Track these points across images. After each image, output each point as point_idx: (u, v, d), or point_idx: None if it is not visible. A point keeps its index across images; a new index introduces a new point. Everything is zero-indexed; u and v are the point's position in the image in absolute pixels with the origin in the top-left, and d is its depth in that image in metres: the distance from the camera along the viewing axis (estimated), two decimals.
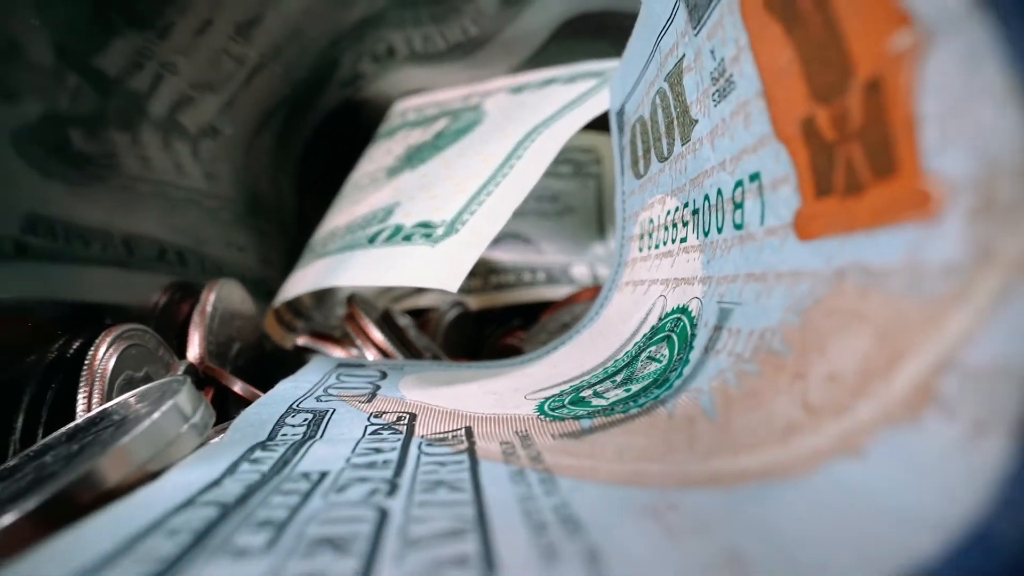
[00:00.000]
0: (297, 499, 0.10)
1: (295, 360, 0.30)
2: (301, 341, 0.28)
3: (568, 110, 0.27)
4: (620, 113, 0.24)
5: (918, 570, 0.06)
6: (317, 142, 0.43)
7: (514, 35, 0.36)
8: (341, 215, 0.31)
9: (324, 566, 0.07)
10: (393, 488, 0.10)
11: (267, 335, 0.32)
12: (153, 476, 0.12)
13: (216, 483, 0.11)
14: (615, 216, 0.25)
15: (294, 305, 0.33)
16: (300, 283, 0.28)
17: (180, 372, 0.21)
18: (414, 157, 0.31)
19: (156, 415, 0.12)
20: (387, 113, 0.41)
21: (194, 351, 0.24)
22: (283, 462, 0.12)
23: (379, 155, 0.35)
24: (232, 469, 0.12)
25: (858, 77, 0.09)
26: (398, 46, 0.39)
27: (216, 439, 0.15)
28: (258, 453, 0.13)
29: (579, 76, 0.31)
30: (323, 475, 0.11)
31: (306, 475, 0.11)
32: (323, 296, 0.36)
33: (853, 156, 0.09)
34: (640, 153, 0.21)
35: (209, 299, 0.25)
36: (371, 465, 0.12)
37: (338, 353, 0.27)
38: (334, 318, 0.36)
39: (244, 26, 0.34)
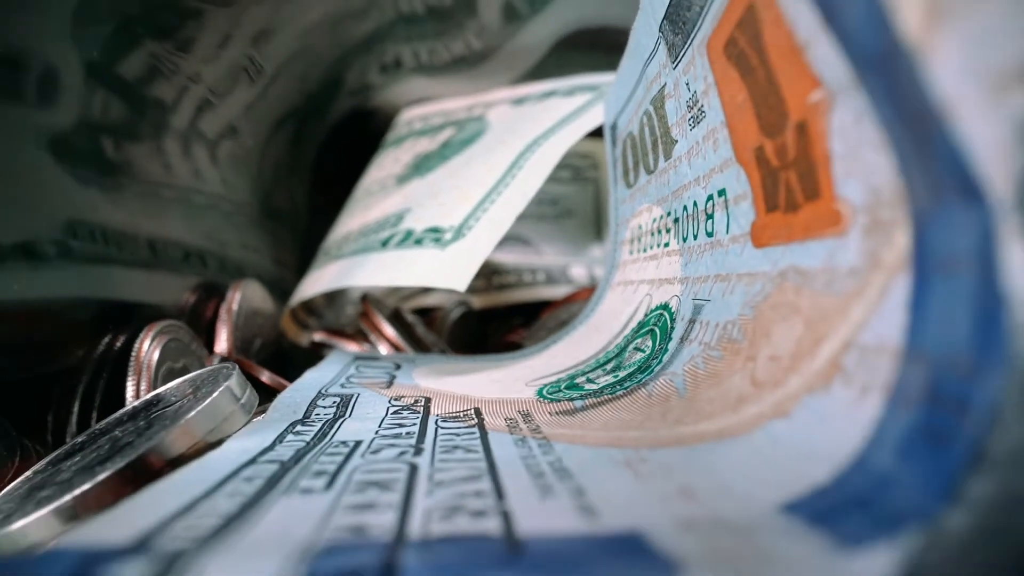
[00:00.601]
0: (341, 458, 0.12)
1: (310, 355, 0.33)
2: (318, 337, 0.30)
3: (566, 123, 0.29)
4: (613, 128, 0.26)
5: (814, 488, 0.09)
6: (327, 148, 0.45)
7: (515, 49, 0.39)
8: (354, 220, 0.34)
9: (373, 498, 0.10)
10: (418, 451, 0.13)
11: (284, 332, 0.34)
12: (212, 446, 0.15)
13: (270, 448, 0.13)
14: (610, 220, 0.27)
15: (308, 304, 0.35)
16: (317, 283, 0.30)
17: (215, 363, 0.23)
18: (422, 166, 0.33)
19: (215, 395, 0.15)
20: (394, 121, 0.44)
21: (222, 345, 0.26)
22: (322, 434, 0.15)
23: (388, 163, 0.38)
24: (280, 439, 0.14)
25: (791, 119, 0.11)
26: (405, 58, 0.42)
27: (257, 419, 0.17)
28: (299, 428, 0.15)
29: (577, 89, 0.33)
30: (358, 443, 0.14)
31: (344, 442, 0.14)
32: (334, 296, 0.39)
33: (791, 180, 0.12)
34: (631, 165, 0.24)
35: (235, 298, 0.27)
36: (397, 435, 0.14)
37: (352, 348, 0.29)
38: (344, 316, 0.38)
39: (260, 39, 0.36)
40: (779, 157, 0.12)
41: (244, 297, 0.28)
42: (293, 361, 0.36)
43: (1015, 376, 0.07)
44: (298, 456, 0.13)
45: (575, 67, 0.37)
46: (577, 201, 0.45)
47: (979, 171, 0.07)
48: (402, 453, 0.13)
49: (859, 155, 0.09)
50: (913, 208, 0.08)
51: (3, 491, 0.16)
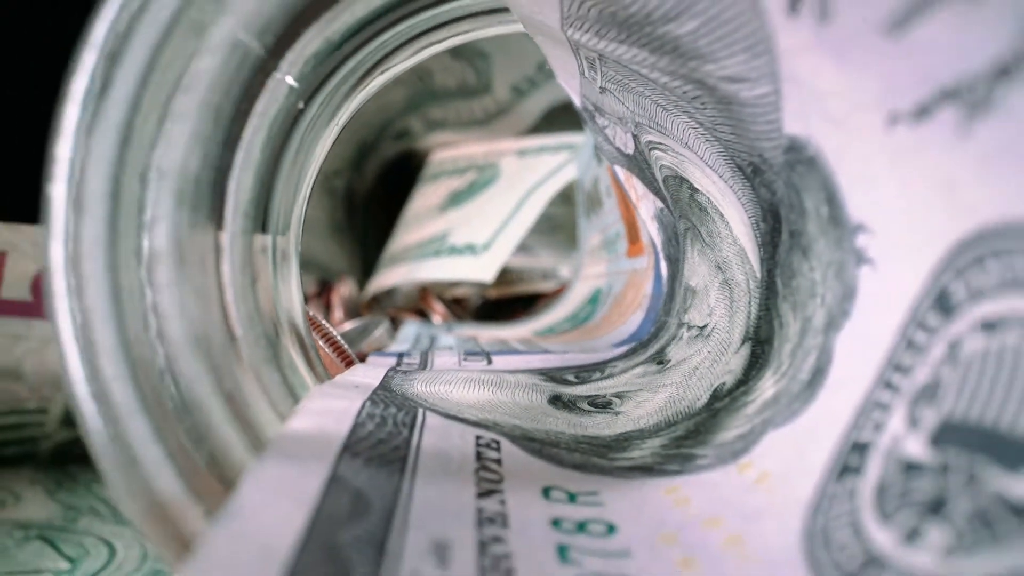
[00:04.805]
0: (449, 347, 0.31)
1: None
2: (390, 313, 0.49)
3: (553, 174, 0.48)
4: (580, 182, 0.45)
5: (621, 340, 0.28)
6: (378, 184, 0.64)
7: (520, 113, 0.58)
8: (409, 236, 0.53)
9: (471, 348, 0.29)
10: (479, 347, 0.32)
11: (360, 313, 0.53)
12: (378, 350, 0.34)
13: (413, 348, 0.32)
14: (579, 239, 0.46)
15: (375, 296, 0.54)
16: (389, 278, 0.49)
17: (367, 318, 0.42)
18: (456, 200, 0.52)
19: (381, 328, 0.34)
20: (427, 161, 0.63)
21: (338, 315, 0.45)
22: (430, 344, 0.34)
23: (428, 194, 0.57)
24: (413, 346, 0.33)
25: (630, 206, 0.30)
26: (436, 115, 0.61)
27: (392, 342, 0.36)
28: (418, 344, 0.34)
29: (561, 147, 0.52)
30: (452, 346, 0.33)
31: (445, 345, 0.33)
32: (390, 289, 0.58)
33: (633, 231, 0.31)
34: (588, 207, 0.43)
35: (342, 288, 0.46)
36: (465, 344, 0.33)
37: (414, 319, 0.48)
38: (397, 303, 0.57)
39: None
40: (630, 220, 0.31)
41: (348, 287, 0.47)
42: None
43: (671, 295, 0.26)
44: (426, 350, 0.32)
45: (564, 123, 0.56)
46: (565, 219, 0.64)
47: (653, 238, 0.26)
48: (473, 349, 0.32)
49: (645, 226, 0.28)
50: (654, 248, 0.28)
51: None
